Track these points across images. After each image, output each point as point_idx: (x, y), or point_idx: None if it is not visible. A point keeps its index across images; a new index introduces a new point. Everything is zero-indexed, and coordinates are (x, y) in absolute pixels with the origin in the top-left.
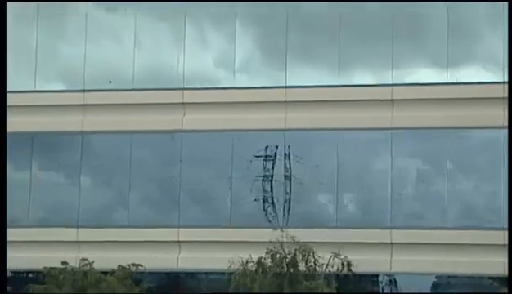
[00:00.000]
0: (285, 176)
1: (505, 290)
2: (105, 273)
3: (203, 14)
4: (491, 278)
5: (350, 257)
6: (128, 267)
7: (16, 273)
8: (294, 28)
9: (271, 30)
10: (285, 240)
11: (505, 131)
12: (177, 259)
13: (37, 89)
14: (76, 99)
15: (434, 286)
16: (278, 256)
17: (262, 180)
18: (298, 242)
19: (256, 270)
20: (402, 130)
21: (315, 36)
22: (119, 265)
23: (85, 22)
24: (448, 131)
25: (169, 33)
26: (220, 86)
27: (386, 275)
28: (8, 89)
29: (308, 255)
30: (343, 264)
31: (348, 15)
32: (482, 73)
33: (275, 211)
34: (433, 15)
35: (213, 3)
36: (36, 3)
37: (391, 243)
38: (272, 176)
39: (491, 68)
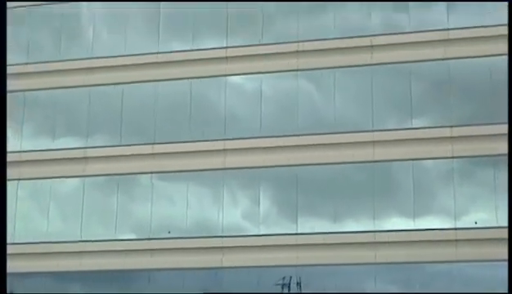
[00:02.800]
0: None
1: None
2: None
3: (236, 182)
4: None
5: None
6: None
7: None
8: (301, 189)
9: (284, 191)
10: None
11: (456, 265)
12: None
13: (115, 238)
14: (144, 245)
15: None
16: None
17: None
18: None
19: None
20: (383, 264)
21: (317, 194)
22: None
23: (151, 189)
24: (415, 265)
25: (211, 196)
26: (248, 234)
27: None
28: (94, 238)
29: None
30: None
31: (340, 179)
32: (436, 221)
33: None
34: (402, 179)
35: (244, 172)
36: (117, 182)
37: None
38: None
39: (444, 218)
